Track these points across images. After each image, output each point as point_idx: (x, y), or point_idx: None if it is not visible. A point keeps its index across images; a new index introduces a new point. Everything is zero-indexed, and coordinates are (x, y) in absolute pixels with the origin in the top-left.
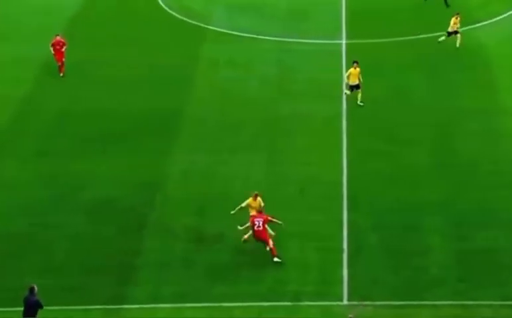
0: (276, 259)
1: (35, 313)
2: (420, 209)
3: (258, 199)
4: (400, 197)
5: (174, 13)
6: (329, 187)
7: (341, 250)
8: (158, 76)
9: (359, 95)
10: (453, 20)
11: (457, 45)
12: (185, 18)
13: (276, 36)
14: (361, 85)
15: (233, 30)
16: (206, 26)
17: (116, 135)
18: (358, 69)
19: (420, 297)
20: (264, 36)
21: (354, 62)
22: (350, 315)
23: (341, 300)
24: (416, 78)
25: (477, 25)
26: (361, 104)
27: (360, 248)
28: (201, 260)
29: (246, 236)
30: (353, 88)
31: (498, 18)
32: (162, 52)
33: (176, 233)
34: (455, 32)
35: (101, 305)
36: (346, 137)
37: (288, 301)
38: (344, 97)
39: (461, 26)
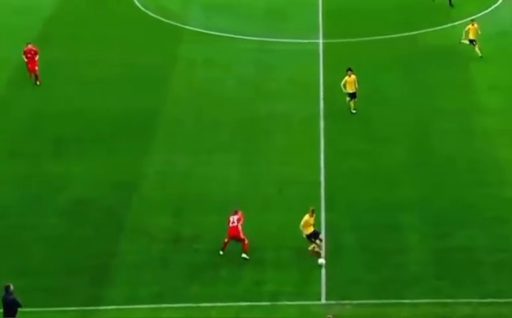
0: (244, 255)
1: (15, 313)
2: (398, 207)
3: (314, 214)
4: (378, 196)
5: (150, 13)
6: (308, 187)
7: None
8: (134, 76)
9: (352, 103)
10: (469, 27)
11: (479, 53)
12: (161, 18)
13: (253, 36)
14: (357, 92)
15: (210, 30)
16: (183, 26)
17: (92, 136)
18: (353, 76)
19: (398, 295)
20: (242, 35)
21: (348, 70)
22: (329, 315)
23: (320, 299)
24: (394, 77)
25: (454, 24)
26: (354, 112)
27: (338, 248)
28: (178, 261)
29: (311, 248)
30: (350, 96)
31: (474, 17)
32: (138, 52)
33: (153, 234)
34: (475, 40)
35: (77, 306)
36: (324, 137)
37: (266, 301)
38: (322, 97)
39: (438, 25)
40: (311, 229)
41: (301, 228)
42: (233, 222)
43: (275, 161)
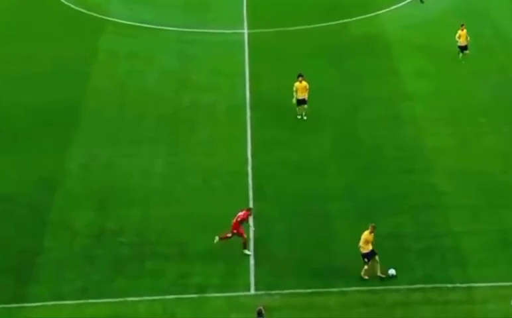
0: (246, 251)
1: None
2: (326, 196)
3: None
4: (306, 186)
5: (71, 5)
6: (234, 177)
7: (248, 241)
8: (54, 70)
9: (302, 109)
10: (459, 33)
11: (461, 57)
12: (83, 10)
13: (177, 27)
14: (307, 100)
15: (133, 21)
16: (105, 18)
17: (11, 131)
18: (304, 82)
19: (328, 284)
20: (165, 26)
21: (299, 76)
22: (259, 307)
23: (249, 290)
24: (321, 66)
25: (379, 12)
26: (301, 117)
27: (267, 238)
28: (102, 255)
29: (364, 272)
30: (300, 102)
31: (399, 5)
32: (58, 45)
33: (76, 229)
34: (466, 47)
35: (2, 304)
36: (251, 127)
37: (193, 294)
38: (248, 87)
39: (363, 14)
40: (369, 247)
41: (360, 245)
42: (238, 216)
43: (201, 153)
